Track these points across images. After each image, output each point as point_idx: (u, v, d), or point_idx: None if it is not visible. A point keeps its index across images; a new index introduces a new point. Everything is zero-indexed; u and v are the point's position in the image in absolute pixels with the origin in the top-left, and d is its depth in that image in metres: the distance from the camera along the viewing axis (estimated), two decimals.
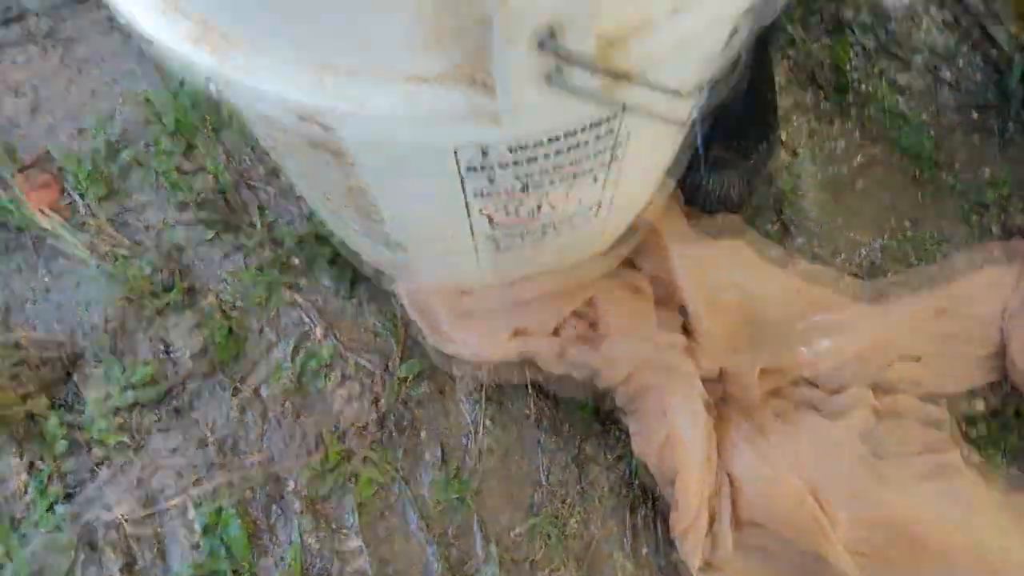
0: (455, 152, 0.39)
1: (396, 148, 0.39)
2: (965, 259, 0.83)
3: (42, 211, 0.72)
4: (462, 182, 0.43)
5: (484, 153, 0.40)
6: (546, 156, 0.42)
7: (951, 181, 0.89)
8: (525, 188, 0.45)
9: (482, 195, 0.45)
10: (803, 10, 0.98)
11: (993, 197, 0.88)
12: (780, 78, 0.93)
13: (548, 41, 0.30)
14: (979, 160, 0.90)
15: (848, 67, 0.94)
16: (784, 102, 0.92)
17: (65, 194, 0.74)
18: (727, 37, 0.39)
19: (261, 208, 0.75)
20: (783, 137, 0.90)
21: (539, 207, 0.50)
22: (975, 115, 0.94)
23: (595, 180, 0.50)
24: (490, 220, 0.50)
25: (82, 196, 0.74)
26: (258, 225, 0.74)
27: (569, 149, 0.42)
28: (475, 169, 0.41)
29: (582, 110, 0.38)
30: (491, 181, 0.43)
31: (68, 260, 0.73)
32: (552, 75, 0.32)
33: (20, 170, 0.74)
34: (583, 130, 0.40)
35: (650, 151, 0.52)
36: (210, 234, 0.73)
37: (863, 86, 0.94)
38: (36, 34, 0.83)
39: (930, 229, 0.86)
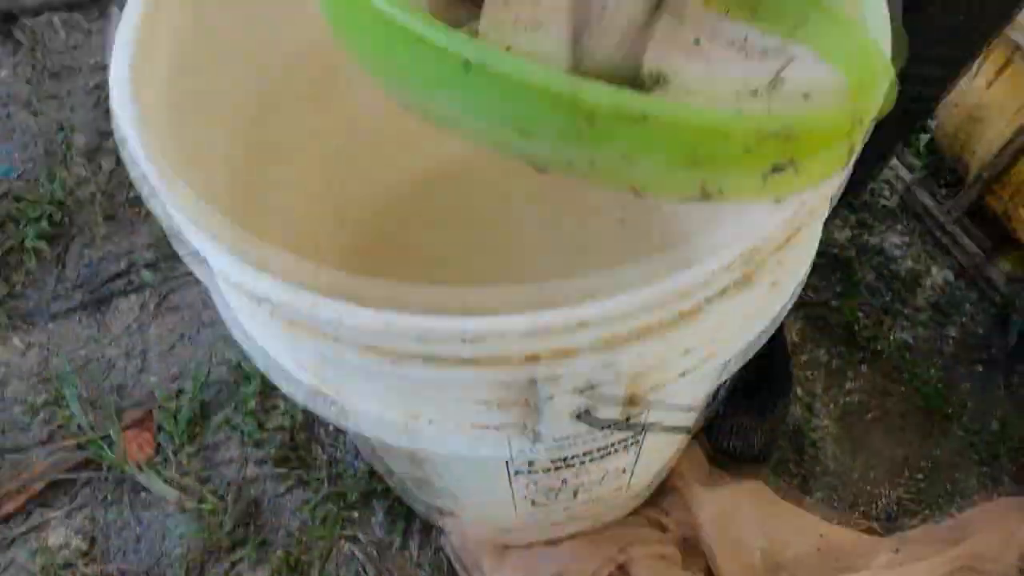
0: (507, 463, 0.49)
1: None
2: (980, 514, 0.89)
3: (139, 465, 0.82)
4: (510, 479, 0.53)
5: (530, 464, 0.49)
6: (581, 462, 0.51)
7: (961, 433, 0.96)
8: (564, 481, 0.55)
9: (526, 486, 0.55)
10: (816, 275, 1.10)
11: (1003, 450, 0.94)
12: (793, 337, 1.03)
13: (585, 394, 0.40)
14: (987, 410, 0.98)
15: (858, 325, 1.04)
16: (798, 360, 1.02)
17: (160, 448, 0.85)
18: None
19: (329, 460, 0.85)
20: (798, 393, 0.99)
21: (575, 489, 0.59)
22: (980, 367, 1.02)
23: (622, 456, 0.59)
24: (532, 502, 0.59)
25: (175, 453, 0.84)
26: (324, 475, 0.84)
27: (600, 454, 0.52)
28: (522, 472, 0.51)
29: (610, 434, 0.48)
30: (535, 480, 0.52)
31: (155, 501, 0.82)
32: (582, 415, 0.42)
33: (124, 428, 0.85)
34: (612, 444, 0.50)
35: (669, 441, 0.61)
36: (282, 488, 0.83)
37: (873, 343, 1.03)
38: (149, 303, 0.97)
39: (944, 481, 0.92)
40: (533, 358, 0.33)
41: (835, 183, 0.36)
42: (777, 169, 0.27)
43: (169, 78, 0.47)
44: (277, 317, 0.38)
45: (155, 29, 0.46)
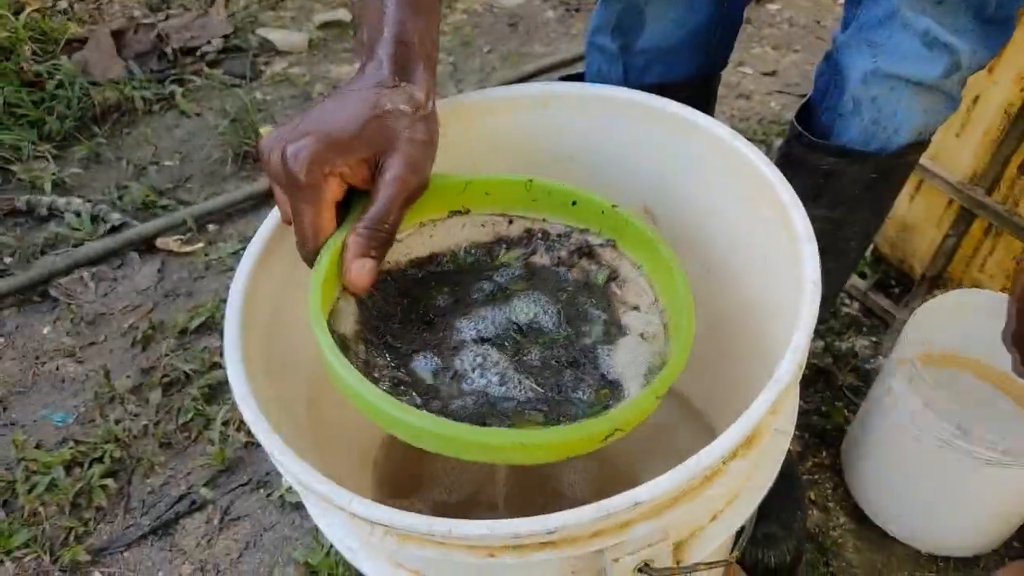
0: None
1: None
2: None
3: None
4: None
5: None
6: None
7: None
8: None
9: None
10: (801, 388, 1.22)
11: None
12: (796, 447, 1.14)
13: (640, 552, 0.50)
14: None
15: (848, 424, 1.15)
16: (805, 467, 1.12)
17: None
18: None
19: None
20: (812, 496, 1.09)
21: None
22: None
23: None
24: None
25: None
26: None
27: None
28: None
29: None
30: None
31: None
32: (643, 569, 0.51)
33: None
34: None
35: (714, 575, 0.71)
36: None
37: None
38: (213, 518, 1.07)
39: (963, 561, 1.01)
40: (598, 533, 0.44)
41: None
42: (608, 436, 0.46)
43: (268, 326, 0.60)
44: (391, 534, 0.49)
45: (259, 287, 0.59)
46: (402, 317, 0.57)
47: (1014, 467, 0.85)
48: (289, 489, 1.09)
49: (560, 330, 0.58)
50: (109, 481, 1.10)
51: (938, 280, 1.22)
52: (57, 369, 1.27)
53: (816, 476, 1.11)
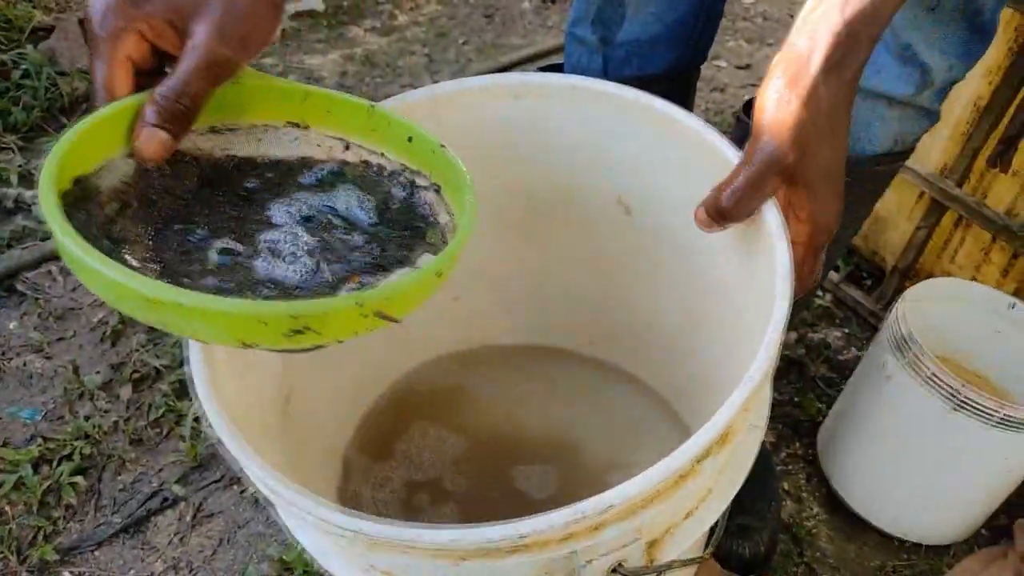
0: None
1: None
2: (960, 570, 0.98)
3: None
4: None
5: None
6: None
7: None
8: None
9: None
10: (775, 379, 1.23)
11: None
12: (769, 438, 1.15)
13: (613, 554, 0.50)
14: None
15: (821, 416, 1.16)
16: (778, 457, 1.13)
17: None
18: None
19: None
20: (786, 487, 1.09)
21: None
22: None
23: None
24: None
25: None
26: None
27: None
28: None
29: None
30: None
31: None
32: (616, 569, 0.51)
33: None
34: None
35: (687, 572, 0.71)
36: None
37: None
38: (185, 515, 1.05)
39: (933, 549, 1.02)
40: (570, 536, 0.44)
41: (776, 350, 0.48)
42: (297, 332, 0.41)
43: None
44: (360, 541, 0.48)
45: None
46: (192, 197, 0.53)
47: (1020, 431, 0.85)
48: None
49: (376, 228, 0.55)
50: (79, 479, 1.09)
51: (909, 272, 1.23)
52: (24, 365, 1.25)
53: (790, 467, 1.12)
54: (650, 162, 0.70)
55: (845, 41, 0.50)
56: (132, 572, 1.01)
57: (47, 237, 1.45)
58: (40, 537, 1.03)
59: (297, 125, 0.58)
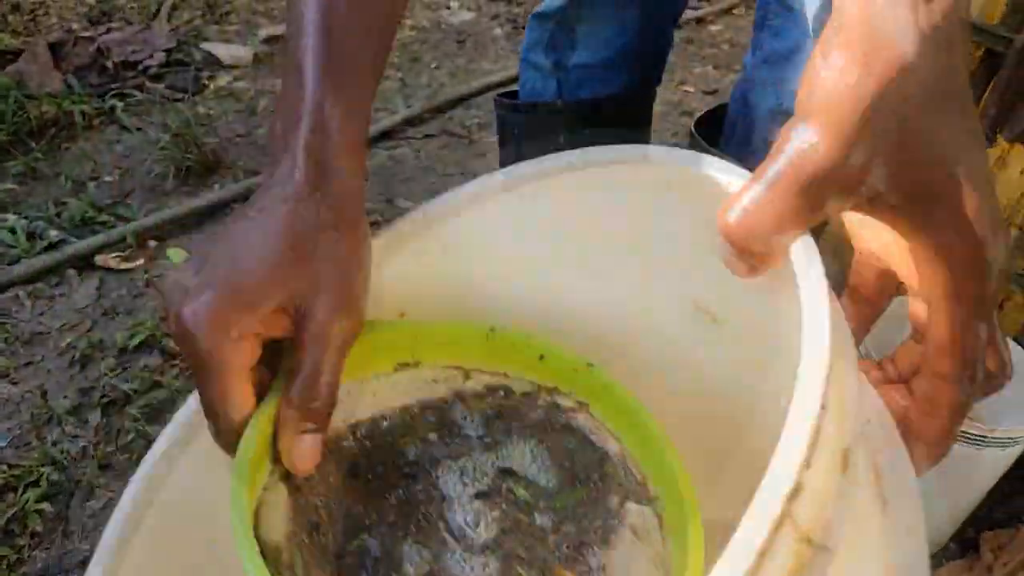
0: None
1: None
2: None
3: None
4: None
5: None
6: None
7: None
8: None
9: None
10: None
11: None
12: None
13: None
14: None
15: None
16: None
17: None
18: None
19: None
20: None
21: None
22: None
23: None
24: None
25: None
26: None
27: None
28: None
29: None
30: None
31: None
32: None
33: None
34: None
35: None
36: None
37: None
38: None
39: None
40: None
41: None
42: None
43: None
44: None
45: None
46: (349, 502, 0.46)
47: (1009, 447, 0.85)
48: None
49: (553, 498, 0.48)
50: (45, 505, 1.07)
51: None
52: None
53: None
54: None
55: None
56: None
57: (15, 261, 1.43)
58: (4, 566, 1.01)
59: (407, 365, 0.51)
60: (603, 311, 0.56)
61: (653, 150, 0.48)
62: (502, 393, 0.52)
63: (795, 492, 0.26)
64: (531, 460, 0.49)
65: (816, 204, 0.32)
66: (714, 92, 1.99)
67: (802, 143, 0.31)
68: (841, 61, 0.32)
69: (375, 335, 0.47)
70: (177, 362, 1.27)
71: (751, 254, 0.33)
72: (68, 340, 1.31)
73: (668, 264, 0.51)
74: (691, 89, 1.99)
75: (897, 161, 0.31)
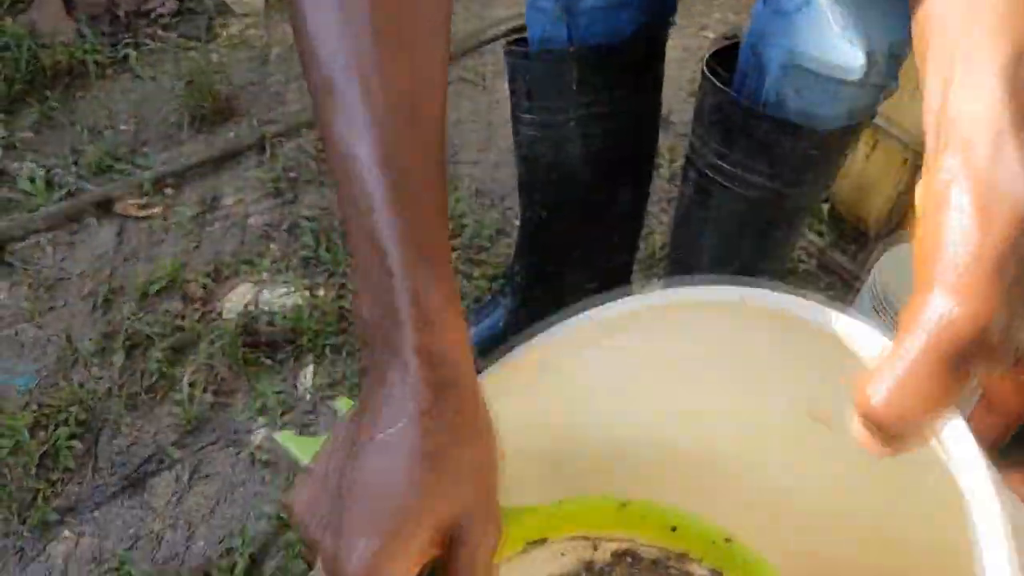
0: None
1: None
2: None
3: None
4: None
5: None
6: None
7: None
8: None
9: None
10: None
11: None
12: None
13: None
14: None
15: None
16: None
17: None
18: None
19: None
20: None
21: None
22: None
23: None
24: None
25: None
26: None
27: None
28: None
29: None
30: None
31: None
32: None
33: None
34: None
35: None
36: None
37: None
38: (182, 476, 1.07)
39: None
40: None
41: None
42: None
43: None
44: None
45: None
46: None
47: None
48: (259, 447, 1.09)
49: None
50: (75, 442, 1.09)
51: (892, 236, 1.26)
52: (16, 334, 1.25)
53: None
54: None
55: None
56: (131, 531, 1.02)
57: (34, 209, 1.44)
58: (39, 499, 1.04)
59: (536, 542, 0.48)
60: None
61: (748, 293, 0.46)
62: (629, 560, 0.50)
63: None
64: None
65: (964, 377, 0.29)
66: (734, 38, 1.96)
67: (940, 314, 0.29)
68: (965, 218, 0.29)
69: (511, 518, 0.44)
70: (198, 306, 1.29)
71: (899, 437, 0.31)
72: (90, 285, 1.33)
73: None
74: (711, 35, 1.97)
75: None
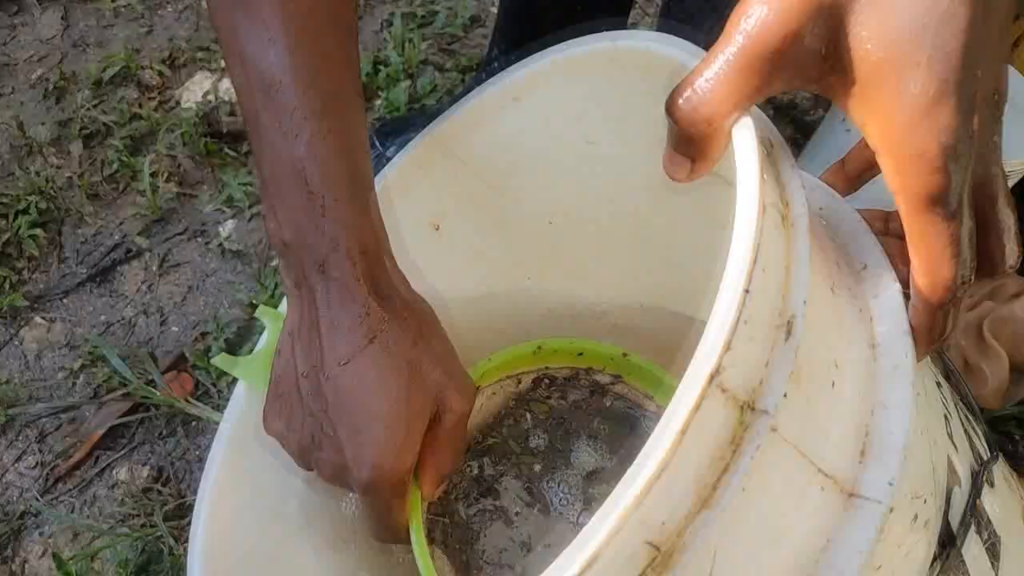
0: None
1: None
2: None
3: (185, 399, 0.92)
4: None
5: None
6: None
7: None
8: None
9: None
10: None
11: None
12: None
13: None
14: None
15: None
16: None
17: (198, 383, 0.96)
18: None
19: None
20: None
21: None
22: None
23: None
24: None
25: (214, 384, 0.95)
26: None
27: None
28: None
29: None
30: None
31: (206, 426, 0.92)
32: None
33: (163, 372, 0.95)
34: None
35: None
36: None
37: None
38: (151, 265, 1.06)
39: None
40: None
41: None
42: None
43: None
44: None
45: None
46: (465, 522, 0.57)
47: None
48: (228, 237, 1.08)
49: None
50: (38, 231, 1.07)
51: None
52: None
53: None
54: None
55: None
56: (103, 318, 1.03)
57: None
58: (7, 286, 1.03)
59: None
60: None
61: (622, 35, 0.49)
62: (547, 381, 0.62)
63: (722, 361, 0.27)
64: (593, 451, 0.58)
65: (765, 83, 0.30)
66: None
67: (755, 17, 0.29)
68: None
69: None
70: (155, 95, 1.23)
71: (695, 138, 0.31)
72: (39, 72, 1.26)
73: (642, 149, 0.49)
74: None
75: (853, 35, 0.29)
